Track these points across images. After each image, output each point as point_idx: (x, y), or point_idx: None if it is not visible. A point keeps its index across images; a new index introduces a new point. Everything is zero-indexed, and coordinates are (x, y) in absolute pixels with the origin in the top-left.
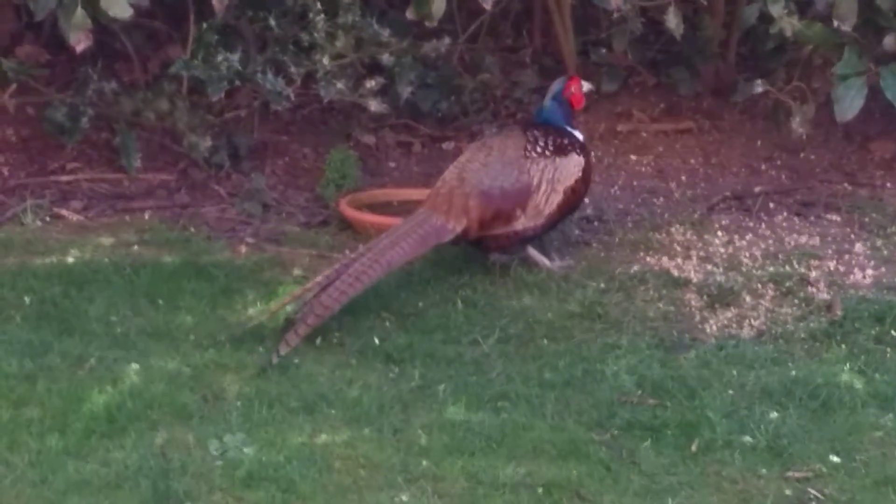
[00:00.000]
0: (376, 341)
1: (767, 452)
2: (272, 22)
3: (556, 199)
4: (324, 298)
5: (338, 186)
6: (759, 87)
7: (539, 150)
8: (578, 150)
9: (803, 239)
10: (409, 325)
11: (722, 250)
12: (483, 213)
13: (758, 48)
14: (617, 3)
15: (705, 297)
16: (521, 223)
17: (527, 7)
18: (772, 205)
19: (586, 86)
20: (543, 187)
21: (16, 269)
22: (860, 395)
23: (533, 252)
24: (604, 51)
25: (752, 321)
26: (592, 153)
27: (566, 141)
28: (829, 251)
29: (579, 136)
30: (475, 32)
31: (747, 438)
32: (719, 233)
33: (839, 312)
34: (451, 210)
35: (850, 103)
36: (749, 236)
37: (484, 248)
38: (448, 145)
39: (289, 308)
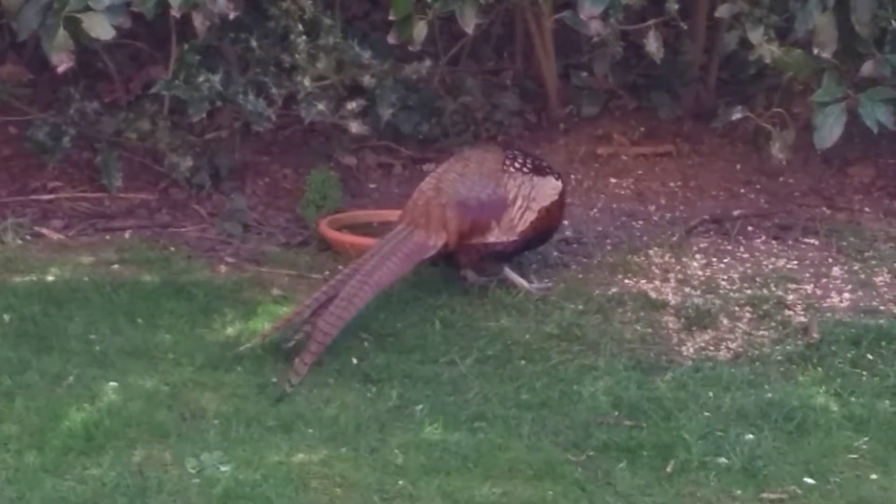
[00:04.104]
0: (354, 361)
1: (742, 474)
2: (254, 43)
3: (531, 217)
4: (322, 325)
5: (318, 207)
6: (738, 113)
7: (517, 165)
8: (556, 176)
9: (781, 262)
10: (388, 345)
11: (700, 273)
12: (461, 224)
13: (738, 73)
14: (597, 28)
15: (682, 319)
16: (494, 235)
17: (508, 30)
18: (750, 228)
19: None
20: (519, 203)
21: None
22: (835, 418)
23: (511, 273)
24: (584, 74)
25: (729, 343)
26: (572, 175)
27: (545, 164)
28: (807, 275)
29: None
30: (456, 55)
31: (722, 460)
32: (697, 256)
33: (816, 335)
34: (430, 224)
35: (829, 131)
36: (727, 259)
37: (455, 262)
38: (429, 167)
39: (267, 327)
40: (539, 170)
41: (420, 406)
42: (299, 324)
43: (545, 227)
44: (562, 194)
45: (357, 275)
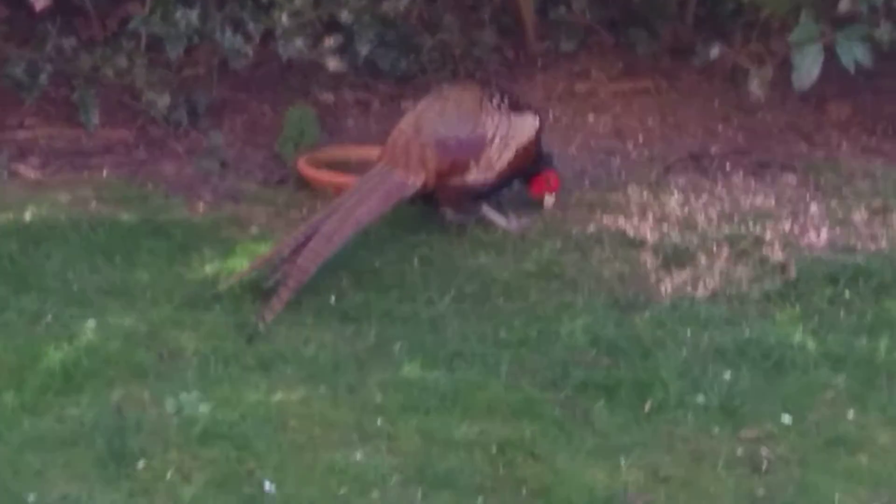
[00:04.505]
0: (332, 300)
1: (720, 412)
2: None
3: (508, 155)
4: (300, 261)
5: (296, 144)
6: (716, 50)
7: (495, 104)
8: (534, 113)
9: (759, 199)
10: (366, 283)
11: (678, 211)
12: (440, 164)
13: (716, 9)
14: None
15: (660, 257)
16: (473, 175)
17: None
18: (728, 165)
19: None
20: (497, 142)
21: None
22: (813, 356)
23: (489, 211)
24: (562, 10)
25: (707, 281)
26: (550, 112)
27: (522, 101)
28: (785, 212)
29: None
30: None
31: (700, 398)
32: (675, 193)
33: (793, 273)
34: (410, 163)
35: (807, 71)
36: (705, 197)
37: (434, 201)
38: (406, 104)
39: (245, 265)
40: (516, 107)
41: (398, 345)
42: (278, 263)
43: (522, 164)
44: (539, 131)
45: (337, 213)
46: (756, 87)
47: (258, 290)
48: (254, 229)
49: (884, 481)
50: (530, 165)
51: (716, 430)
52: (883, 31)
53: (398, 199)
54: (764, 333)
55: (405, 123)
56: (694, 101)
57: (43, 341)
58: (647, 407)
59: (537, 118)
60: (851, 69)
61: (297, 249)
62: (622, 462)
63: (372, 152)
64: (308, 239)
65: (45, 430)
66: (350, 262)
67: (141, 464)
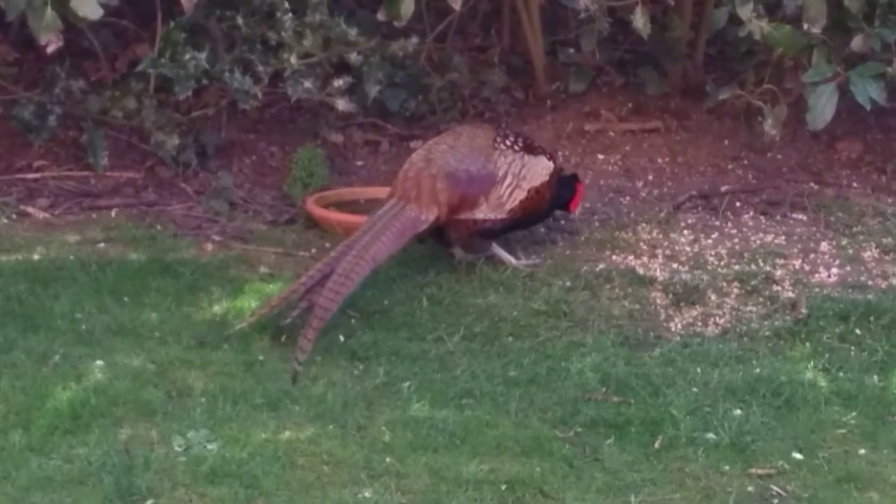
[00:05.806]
0: (341, 339)
1: (731, 449)
2: (240, 21)
3: (520, 195)
4: (322, 301)
5: (305, 185)
6: (728, 91)
7: (508, 143)
8: (549, 156)
9: (769, 238)
10: (375, 322)
11: (688, 249)
12: (451, 197)
13: (726, 49)
14: (585, 3)
15: (670, 295)
16: (482, 212)
17: (495, 7)
18: (738, 204)
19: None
20: (508, 181)
21: None
22: (823, 393)
23: (498, 250)
24: (572, 51)
25: (717, 319)
26: (560, 152)
27: (537, 143)
28: (795, 250)
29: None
30: (443, 32)
31: (711, 435)
32: (685, 231)
33: (804, 311)
34: (422, 197)
35: (821, 111)
36: (715, 235)
37: (444, 239)
38: (416, 144)
39: (253, 305)
40: (531, 149)
41: (407, 383)
42: (295, 301)
43: (535, 206)
44: (552, 175)
45: (352, 251)
46: (770, 126)
47: (266, 329)
48: (262, 269)
49: None
50: (545, 208)
51: (726, 467)
52: None
53: (412, 234)
54: (774, 371)
55: (416, 156)
56: (703, 140)
57: (51, 381)
58: (657, 444)
59: (552, 161)
60: (868, 106)
61: (314, 288)
62: (632, 499)
63: (380, 192)
64: (325, 277)
65: (52, 470)
66: (359, 301)
67: (149, 503)
